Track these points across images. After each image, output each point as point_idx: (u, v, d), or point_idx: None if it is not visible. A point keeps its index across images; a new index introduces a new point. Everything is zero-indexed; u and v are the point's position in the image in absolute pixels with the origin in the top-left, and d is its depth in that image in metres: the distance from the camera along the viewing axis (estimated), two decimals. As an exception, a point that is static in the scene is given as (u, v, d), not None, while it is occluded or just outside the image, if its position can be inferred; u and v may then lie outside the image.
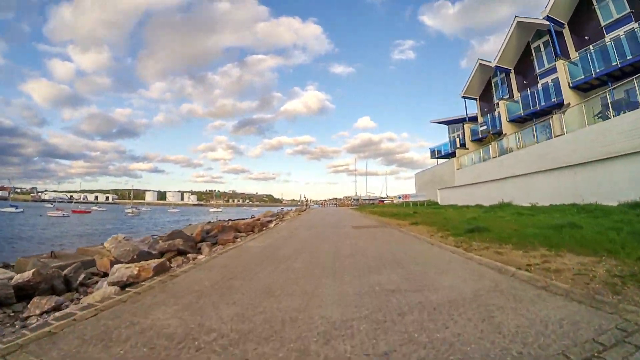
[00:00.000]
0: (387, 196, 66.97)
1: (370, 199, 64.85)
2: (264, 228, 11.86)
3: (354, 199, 61.55)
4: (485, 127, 24.27)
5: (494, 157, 19.08)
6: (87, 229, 34.47)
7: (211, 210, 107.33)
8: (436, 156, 32.26)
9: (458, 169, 23.85)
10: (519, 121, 20.92)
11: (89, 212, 74.22)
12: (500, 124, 22.53)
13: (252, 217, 30.35)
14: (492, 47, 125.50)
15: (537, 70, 20.23)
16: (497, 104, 23.96)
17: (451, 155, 29.09)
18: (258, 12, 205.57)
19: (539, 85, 19.67)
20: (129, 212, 70.17)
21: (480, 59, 25.01)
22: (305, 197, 69.19)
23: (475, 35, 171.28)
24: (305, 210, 33.79)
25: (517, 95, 21.73)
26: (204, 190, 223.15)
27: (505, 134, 20.33)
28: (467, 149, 25.44)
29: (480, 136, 24.63)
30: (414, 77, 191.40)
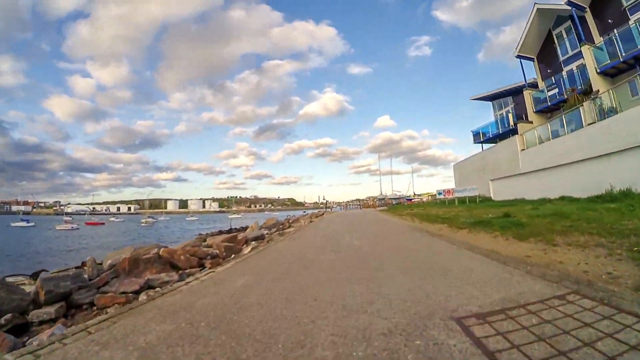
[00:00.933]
0: (414, 194, 60.34)
1: (397, 198, 58.55)
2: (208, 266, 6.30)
3: (379, 199, 55.38)
4: (555, 89, 17.95)
5: (590, 124, 12.87)
6: (84, 243, 30.92)
7: (230, 217, 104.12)
8: (481, 140, 25.87)
9: (523, 149, 17.57)
10: (610, 74, 14.77)
11: (102, 223, 71.82)
12: (579, 81, 16.40)
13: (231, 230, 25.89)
14: (509, 38, 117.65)
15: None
16: (564, 61, 18.02)
17: (501, 136, 22.78)
18: (272, 18, 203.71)
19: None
20: (144, 223, 67.19)
21: (537, 3, 18.73)
22: (324, 199, 62.12)
23: (490, 27, 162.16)
24: (322, 214, 28.77)
25: (599, 40, 15.59)
26: (226, 197, 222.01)
27: (598, 90, 14.10)
28: (531, 122, 19.09)
29: (549, 104, 18.29)
30: (431, 73, 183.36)
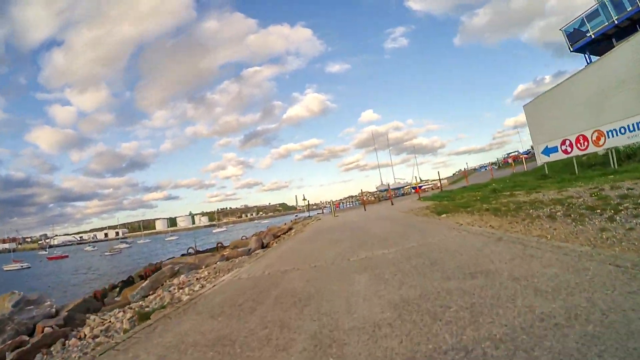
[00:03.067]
0: (421, 180, 50.29)
1: (400, 187, 48.39)
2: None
3: (380, 190, 45.27)
4: None
5: None
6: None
7: (214, 231, 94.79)
8: (582, 42, 15.27)
9: None
10: None
11: (66, 256, 61.11)
12: None
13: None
14: (483, 20, 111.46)
15: None
16: None
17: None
18: (247, 26, 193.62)
19: None
20: (108, 252, 56.51)
21: None
22: (305, 199, 46.03)
23: (464, 10, 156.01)
24: (289, 231, 16.59)
25: None
26: (216, 210, 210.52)
27: None
28: None
29: None
30: (410, 62, 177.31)
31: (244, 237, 24.84)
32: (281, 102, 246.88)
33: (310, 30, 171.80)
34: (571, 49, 14.90)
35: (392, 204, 21.16)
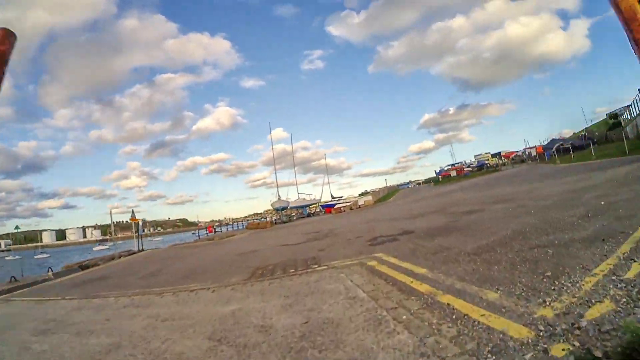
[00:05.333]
0: (333, 197, 45.09)
1: (305, 206, 42.05)
2: None
3: (277, 208, 38.36)
4: None
5: None
6: None
7: (95, 248, 79.53)
8: None
9: None
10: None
11: None
12: None
13: None
14: (397, 52, 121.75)
15: None
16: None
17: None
18: (167, 29, 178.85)
19: None
20: None
21: None
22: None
23: (381, 41, 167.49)
24: None
25: None
26: (112, 223, 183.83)
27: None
28: None
29: None
30: (324, 85, 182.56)
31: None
32: (192, 112, 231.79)
33: (230, 43, 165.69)
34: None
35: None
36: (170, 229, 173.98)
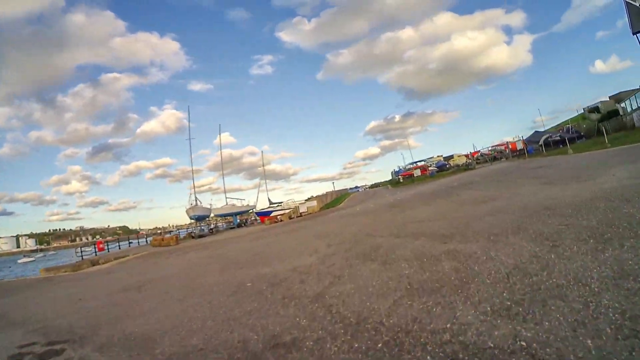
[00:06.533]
0: (271, 203, 35.09)
1: (237, 213, 31.82)
2: None
3: (194, 217, 28.06)
4: None
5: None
6: None
7: (20, 261, 66.30)
8: None
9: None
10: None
11: None
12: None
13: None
14: (347, 60, 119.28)
15: None
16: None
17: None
18: (115, 27, 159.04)
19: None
20: None
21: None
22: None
23: (330, 49, 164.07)
24: None
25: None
26: (48, 231, 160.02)
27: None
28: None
29: None
30: (272, 90, 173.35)
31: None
32: (137, 115, 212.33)
33: (179, 44, 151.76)
34: None
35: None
36: (109, 237, 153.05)
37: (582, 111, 47.31)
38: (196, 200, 27.78)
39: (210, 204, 30.66)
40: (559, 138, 31.60)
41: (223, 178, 43.34)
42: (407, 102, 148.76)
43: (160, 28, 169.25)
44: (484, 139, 75.57)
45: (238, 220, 31.64)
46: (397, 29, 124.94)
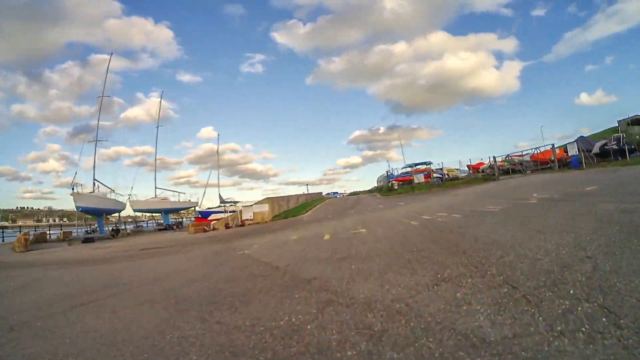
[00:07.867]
0: (222, 201, 25.48)
1: (164, 210, 21.92)
2: None
3: (86, 208, 18.62)
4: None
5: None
6: None
7: None
8: None
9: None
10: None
11: None
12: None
13: None
14: (338, 67, 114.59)
15: None
16: None
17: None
18: (111, 8, 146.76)
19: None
20: None
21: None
22: None
23: (322, 55, 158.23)
24: None
25: None
26: (16, 208, 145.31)
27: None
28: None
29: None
30: (261, 90, 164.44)
31: None
32: (123, 99, 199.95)
33: (173, 33, 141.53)
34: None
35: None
36: (78, 221, 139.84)
37: (617, 124, 39.89)
38: (94, 185, 18.25)
39: (130, 194, 21.30)
40: (616, 147, 23.44)
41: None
42: (393, 114, 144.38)
43: (156, 14, 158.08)
44: (464, 158, 69.08)
45: (170, 221, 22.26)
46: (390, 42, 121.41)
